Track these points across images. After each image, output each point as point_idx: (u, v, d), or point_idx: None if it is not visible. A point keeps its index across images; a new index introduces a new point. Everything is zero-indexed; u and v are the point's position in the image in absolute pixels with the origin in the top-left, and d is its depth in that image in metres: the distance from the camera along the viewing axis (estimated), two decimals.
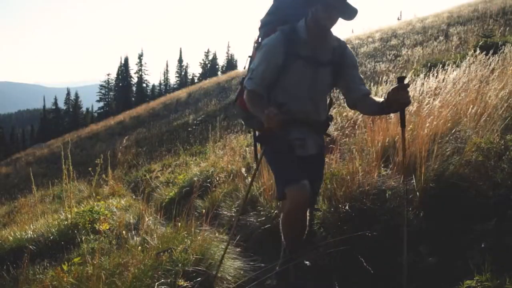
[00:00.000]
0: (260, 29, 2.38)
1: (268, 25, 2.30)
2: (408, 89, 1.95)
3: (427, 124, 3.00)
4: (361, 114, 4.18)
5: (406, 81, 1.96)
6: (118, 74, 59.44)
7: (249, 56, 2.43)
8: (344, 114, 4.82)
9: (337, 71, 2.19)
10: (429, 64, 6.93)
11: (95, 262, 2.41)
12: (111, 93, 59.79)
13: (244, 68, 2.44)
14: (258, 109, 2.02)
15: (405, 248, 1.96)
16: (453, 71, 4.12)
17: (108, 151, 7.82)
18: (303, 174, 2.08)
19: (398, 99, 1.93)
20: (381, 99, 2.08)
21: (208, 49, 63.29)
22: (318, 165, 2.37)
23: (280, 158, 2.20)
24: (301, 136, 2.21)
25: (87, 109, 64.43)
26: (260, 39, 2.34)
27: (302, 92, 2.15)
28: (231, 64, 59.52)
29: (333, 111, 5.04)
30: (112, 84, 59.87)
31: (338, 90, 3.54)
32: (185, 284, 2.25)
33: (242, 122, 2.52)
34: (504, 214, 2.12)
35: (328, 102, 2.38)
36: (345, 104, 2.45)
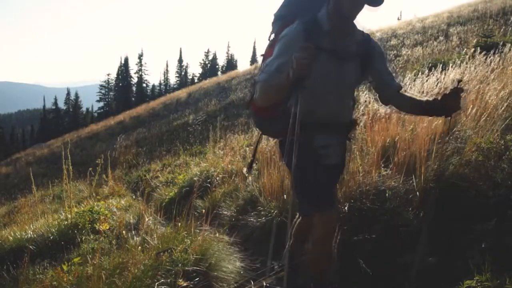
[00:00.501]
0: (273, 24, 2.15)
1: (283, 19, 2.08)
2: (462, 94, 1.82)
3: (425, 124, 3.00)
4: (363, 114, 4.18)
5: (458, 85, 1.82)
6: (118, 74, 59.49)
7: (262, 55, 2.20)
8: None
9: (364, 65, 1.97)
10: (429, 64, 6.93)
11: (95, 262, 2.41)
12: (111, 93, 59.84)
13: (255, 68, 2.27)
14: (278, 81, 1.80)
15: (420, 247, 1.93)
16: (454, 71, 4.12)
17: (108, 151, 7.83)
18: (333, 193, 1.95)
19: (452, 104, 1.80)
20: (423, 99, 1.94)
21: (208, 49, 63.43)
22: (340, 173, 2.18)
23: (306, 174, 1.95)
24: (326, 144, 1.99)
25: (87, 109, 64.50)
26: (273, 35, 2.12)
27: (327, 91, 1.92)
28: (231, 64, 59.55)
29: None
30: (112, 84, 59.93)
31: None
32: (185, 284, 2.25)
33: (257, 128, 2.30)
34: (504, 214, 2.12)
35: (352, 101, 2.14)
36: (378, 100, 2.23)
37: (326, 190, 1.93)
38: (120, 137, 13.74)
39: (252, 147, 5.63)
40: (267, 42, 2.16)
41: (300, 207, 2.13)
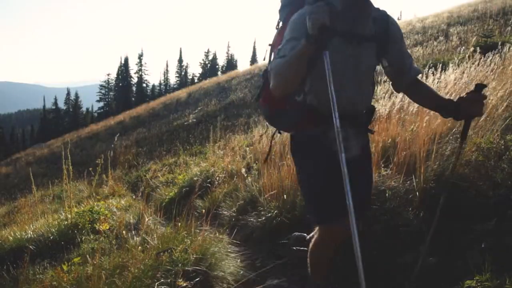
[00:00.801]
0: (280, 10, 2.00)
1: (290, 5, 1.93)
2: (485, 101, 1.71)
3: (424, 124, 3.00)
4: None
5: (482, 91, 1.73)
6: (118, 74, 59.53)
7: (270, 45, 2.03)
8: None
9: (381, 47, 1.80)
10: (430, 64, 6.93)
11: (95, 262, 2.40)
12: (111, 93, 59.89)
13: (264, 59, 2.05)
14: (296, 55, 1.61)
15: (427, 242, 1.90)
16: (454, 71, 4.12)
17: (108, 151, 7.83)
18: (342, 204, 1.80)
19: (470, 109, 1.71)
20: (444, 97, 1.85)
21: (208, 49, 63.50)
22: (364, 168, 1.95)
23: (316, 182, 1.82)
24: (344, 137, 1.78)
25: (87, 109, 64.56)
26: (281, 23, 1.96)
27: (343, 77, 1.74)
28: (231, 64, 59.58)
29: None
30: (112, 84, 59.99)
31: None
32: (185, 284, 2.25)
33: (268, 122, 2.16)
34: (504, 214, 2.12)
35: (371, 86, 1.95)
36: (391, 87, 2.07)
37: (335, 203, 1.75)
38: (118, 137, 13.73)
39: (252, 147, 5.62)
40: (275, 30, 2.02)
41: (309, 213, 1.99)
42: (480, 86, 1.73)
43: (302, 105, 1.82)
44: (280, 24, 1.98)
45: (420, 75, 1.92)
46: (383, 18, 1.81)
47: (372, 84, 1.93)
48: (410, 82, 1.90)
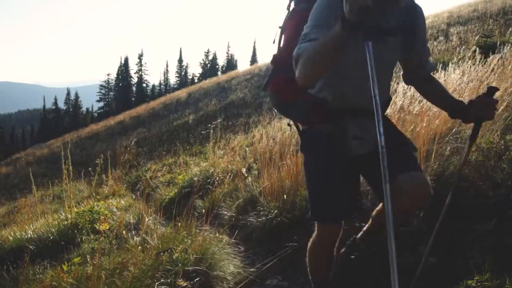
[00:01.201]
0: None
1: None
2: (497, 105, 1.66)
3: (424, 124, 3.00)
4: None
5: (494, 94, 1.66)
6: (118, 74, 59.56)
7: (280, 27, 1.86)
8: None
9: (407, 39, 1.66)
10: None
11: (95, 262, 2.41)
12: (111, 93, 59.93)
13: (274, 42, 1.86)
14: (329, 37, 1.34)
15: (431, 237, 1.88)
16: (454, 70, 4.11)
17: (108, 151, 7.83)
18: (342, 204, 1.77)
19: (481, 112, 1.66)
20: (454, 97, 1.81)
21: (208, 49, 63.46)
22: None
23: (317, 182, 1.79)
24: (360, 134, 1.70)
25: (87, 109, 64.59)
26: (293, 3, 1.82)
27: (363, 75, 1.49)
28: (231, 64, 59.57)
29: None
30: (112, 84, 60.02)
31: None
32: (185, 284, 2.25)
33: (277, 110, 2.03)
34: (504, 214, 2.12)
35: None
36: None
37: (333, 197, 1.74)
38: (121, 138, 13.75)
39: (252, 147, 5.63)
40: (286, 12, 1.87)
41: (310, 210, 1.89)
42: (492, 89, 1.67)
43: (313, 98, 1.73)
44: (292, 4, 1.82)
45: (433, 70, 1.86)
46: (411, 6, 1.67)
47: (391, 77, 1.83)
48: (424, 77, 1.83)
